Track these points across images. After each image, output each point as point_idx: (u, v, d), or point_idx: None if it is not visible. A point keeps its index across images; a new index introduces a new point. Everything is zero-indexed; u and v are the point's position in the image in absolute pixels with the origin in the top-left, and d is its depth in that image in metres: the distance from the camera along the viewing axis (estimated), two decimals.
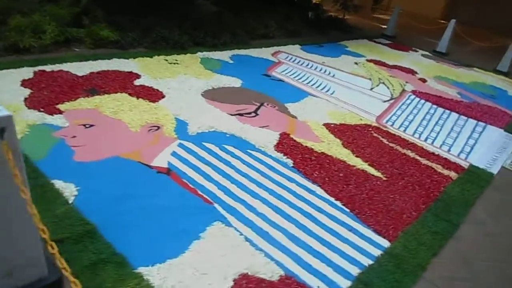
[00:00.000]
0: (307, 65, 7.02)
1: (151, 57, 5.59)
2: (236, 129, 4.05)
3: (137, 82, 4.66)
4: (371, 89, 6.44)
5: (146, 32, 6.06)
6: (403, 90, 6.65)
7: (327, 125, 4.64)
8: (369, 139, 4.50)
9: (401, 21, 11.73)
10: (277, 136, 4.08)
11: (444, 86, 7.36)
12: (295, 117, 4.71)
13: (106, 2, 5.95)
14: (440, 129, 5.30)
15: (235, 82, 5.37)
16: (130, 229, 2.54)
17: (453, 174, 4.12)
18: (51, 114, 3.60)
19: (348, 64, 7.59)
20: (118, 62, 5.09)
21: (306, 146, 4.01)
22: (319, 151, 3.98)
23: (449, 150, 4.72)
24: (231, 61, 6.27)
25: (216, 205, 2.89)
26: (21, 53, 4.69)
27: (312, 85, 6.03)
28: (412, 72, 7.99)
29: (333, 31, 10.40)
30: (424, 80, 7.54)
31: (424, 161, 4.29)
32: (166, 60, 5.61)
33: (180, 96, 4.54)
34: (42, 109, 3.63)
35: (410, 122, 5.33)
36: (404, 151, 4.42)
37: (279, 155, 3.74)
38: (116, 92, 4.27)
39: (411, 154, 4.38)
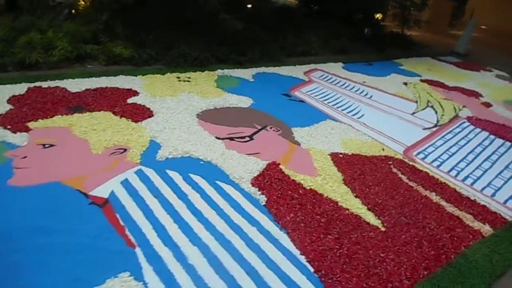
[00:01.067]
0: (343, 84, 6.27)
1: (164, 74, 5.34)
2: (216, 155, 3.53)
3: (131, 100, 4.39)
4: (413, 113, 5.49)
5: (166, 48, 5.85)
6: (456, 116, 5.57)
7: (334, 155, 3.91)
8: (383, 175, 3.67)
9: (480, 37, 10.31)
10: (262, 166, 3.47)
11: None
12: (298, 144, 4.05)
13: (129, 18, 5.86)
14: (490, 167, 4.24)
15: (244, 102, 4.87)
16: (21, 269, 2.14)
17: (486, 229, 3.13)
18: (15, 131, 3.42)
19: (394, 84, 6.66)
20: (122, 79, 4.90)
21: (293, 180, 3.34)
22: (308, 187, 3.28)
23: (493, 195, 3.69)
24: (252, 80, 5.79)
25: (138, 249, 2.39)
26: (28, 69, 4.70)
27: (338, 107, 5.29)
28: (476, 95, 6.77)
29: (392, 48, 9.41)
30: (488, 105, 6.33)
31: (450, 208, 3.35)
32: (178, 78, 5.32)
33: (170, 116, 4.16)
34: (9, 126, 3.48)
35: (450, 156, 4.34)
36: (426, 193, 3.51)
37: (252, 190, 3.13)
38: (100, 110, 4.01)
39: (435, 198, 3.46)
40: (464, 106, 6.05)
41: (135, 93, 4.60)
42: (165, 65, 5.68)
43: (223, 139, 3.90)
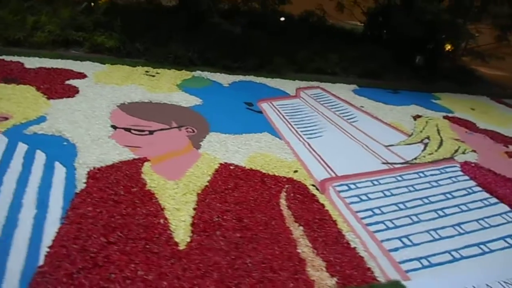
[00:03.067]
0: (332, 105, 5.61)
1: (134, 66, 5.41)
2: (88, 140, 3.40)
3: (70, 82, 4.51)
4: (390, 145, 4.61)
5: (155, 45, 5.92)
6: (449, 159, 4.53)
7: (224, 165, 3.46)
8: (259, 196, 3.10)
9: None
10: (122, 159, 3.21)
11: None
12: (197, 148, 3.67)
13: (129, 14, 6.10)
14: (430, 219, 3.30)
15: (189, 102, 4.66)
16: None
17: (326, 283, 2.38)
18: None
19: (401, 114, 5.74)
20: (83, 65, 5.08)
21: (140, 178, 3.02)
22: (148, 188, 2.92)
23: (394, 250, 2.84)
24: (226, 85, 5.53)
25: None
26: (13, 45, 5.14)
27: (297, 123, 4.72)
28: (506, 142, 5.45)
29: (444, 81, 8.20)
30: (511, 155, 5.02)
31: (304, 248, 2.64)
32: (147, 72, 5.33)
33: (89, 100, 4.16)
34: None
35: (382, 197, 3.50)
36: (293, 225, 2.85)
37: (82, 179, 2.89)
38: (27, 84, 4.18)
39: (297, 233, 2.78)
40: (473, 151, 4.88)
41: (83, 77, 4.70)
42: (148, 60, 5.72)
43: (118, 128, 3.73)
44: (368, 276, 2.52)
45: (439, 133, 5.26)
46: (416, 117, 5.76)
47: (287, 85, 6.03)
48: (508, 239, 3.22)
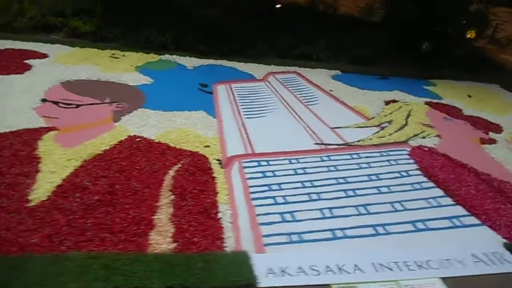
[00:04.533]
0: (298, 89, 5.44)
1: (102, 50, 5.59)
2: (7, 111, 3.57)
3: (28, 61, 4.76)
4: (336, 127, 4.37)
5: (131, 30, 6.08)
6: (403, 142, 4.21)
7: (131, 137, 3.48)
8: (146, 164, 3.08)
9: None
10: (28, 126, 3.35)
11: None
12: (116, 121, 3.73)
13: (112, 2, 6.32)
14: (342, 197, 3.09)
15: (137, 81, 4.75)
16: None
17: (164, 247, 2.32)
18: None
19: (373, 99, 5.40)
20: (52, 47, 5.33)
21: (28, 143, 3.12)
22: (37, 153, 3.02)
23: (266, 224, 2.68)
24: (190, 68, 5.54)
25: None
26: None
27: (243, 105, 4.63)
28: (492, 129, 4.94)
29: (451, 69, 7.60)
30: (491, 141, 4.55)
31: (162, 215, 2.59)
32: (113, 54, 5.49)
33: (36, 76, 4.38)
34: None
35: (300, 174, 3.34)
36: (163, 193, 2.80)
37: None
38: None
39: (165, 201, 2.73)
40: (438, 135, 4.49)
41: (43, 57, 4.95)
42: (122, 45, 5.89)
43: (47, 101, 3.89)
44: (215, 245, 2.40)
45: (407, 118, 4.88)
46: (390, 102, 5.39)
47: (260, 70, 5.91)
48: (417, 223, 2.92)
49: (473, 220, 3.03)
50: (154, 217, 2.55)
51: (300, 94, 5.25)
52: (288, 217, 2.78)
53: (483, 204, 3.23)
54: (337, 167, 3.53)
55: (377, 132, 4.39)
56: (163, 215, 2.58)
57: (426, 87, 6.35)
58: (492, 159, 4.14)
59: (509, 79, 7.52)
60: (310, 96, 5.22)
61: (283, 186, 3.13)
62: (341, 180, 3.33)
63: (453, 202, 3.23)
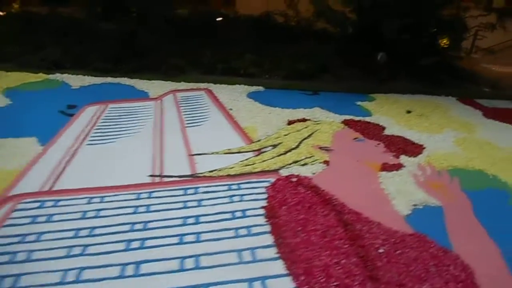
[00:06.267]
0: (193, 108, 4.77)
1: None
2: None
3: None
4: (197, 154, 3.64)
5: (32, 50, 5.63)
6: (274, 171, 3.44)
7: None
8: None
9: None
10: None
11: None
12: None
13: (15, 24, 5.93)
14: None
15: None
16: None
17: None
18: None
19: (275, 119, 4.65)
20: None
21: None
22: None
23: None
24: (75, 87, 4.99)
25: None
26: None
27: (98, 131, 3.98)
28: (403, 151, 4.06)
29: (405, 82, 6.75)
30: (390, 167, 3.69)
31: None
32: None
33: None
34: None
35: (76, 219, 2.62)
36: None
37: None
38: None
39: None
40: (325, 161, 3.67)
41: None
42: (16, 64, 5.43)
43: None
44: None
45: (302, 140, 4.08)
46: (296, 121, 4.61)
47: (162, 87, 5.30)
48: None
49: (284, 283, 2.20)
50: None
51: (190, 114, 4.57)
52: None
53: (316, 257, 2.39)
54: (149, 208, 2.79)
55: (247, 159, 3.62)
56: None
57: (359, 103, 5.52)
58: (380, 191, 3.28)
59: (471, 91, 6.58)
60: (199, 116, 4.52)
61: (44, 236, 2.41)
62: (138, 226, 2.58)
63: (275, 256, 2.40)
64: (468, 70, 7.98)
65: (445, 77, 7.23)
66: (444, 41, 8.69)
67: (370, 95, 5.89)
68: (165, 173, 3.26)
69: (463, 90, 6.79)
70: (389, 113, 5.17)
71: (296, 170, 3.47)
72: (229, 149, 3.79)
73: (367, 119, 4.88)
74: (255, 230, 2.64)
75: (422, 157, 3.96)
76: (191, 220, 2.69)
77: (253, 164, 3.54)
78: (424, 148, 4.17)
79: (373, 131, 4.50)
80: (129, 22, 5.98)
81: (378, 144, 4.20)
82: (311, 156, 3.75)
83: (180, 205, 2.85)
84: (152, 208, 2.78)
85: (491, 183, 3.57)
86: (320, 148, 3.96)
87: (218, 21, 7.49)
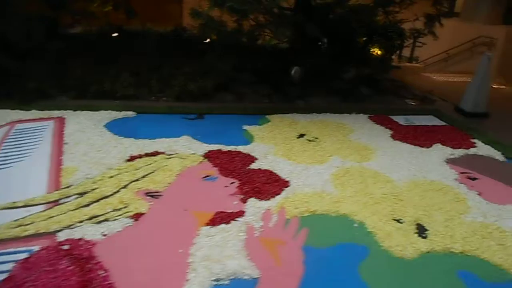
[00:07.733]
0: (13, 145, 3.84)
1: None
2: None
3: None
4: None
5: None
6: (49, 233, 2.53)
7: None
8: None
9: None
10: None
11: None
12: None
13: None
14: None
15: None
16: None
17: None
18: None
19: (118, 154, 3.75)
20: None
21: None
22: None
23: None
24: None
25: None
26: None
27: None
28: (260, 191, 3.19)
29: (313, 98, 5.97)
30: (220, 220, 2.80)
31: None
32: None
33: None
34: None
35: None
36: None
37: None
38: None
39: None
40: (135, 215, 2.77)
41: None
42: None
43: None
44: None
45: (126, 185, 3.19)
46: (144, 156, 3.72)
47: (5, 117, 4.37)
48: None
49: None
50: None
51: (8, 152, 3.65)
52: None
53: None
54: None
55: (31, 214, 2.71)
56: None
57: (246, 127, 4.67)
58: (182, 260, 2.40)
59: (393, 107, 5.81)
60: (18, 154, 3.62)
61: None
62: None
63: None
64: (398, 82, 7.25)
65: (368, 91, 6.47)
66: (376, 50, 8.01)
67: (266, 117, 5.03)
68: None
69: (385, 105, 6.02)
70: (274, 139, 4.32)
71: (82, 231, 2.57)
72: (13, 202, 2.87)
73: (241, 148, 4.03)
74: None
75: (277, 199, 3.09)
76: None
77: (30, 223, 2.63)
78: (288, 186, 3.31)
79: (235, 166, 3.64)
80: None
81: (232, 183, 3.34)
82: (122, 208, 2.87)
83: None
84: None
85: (347, 236, 2.71)
86: (147, 194, 3.07)
87: (113, 37, 6.63)
